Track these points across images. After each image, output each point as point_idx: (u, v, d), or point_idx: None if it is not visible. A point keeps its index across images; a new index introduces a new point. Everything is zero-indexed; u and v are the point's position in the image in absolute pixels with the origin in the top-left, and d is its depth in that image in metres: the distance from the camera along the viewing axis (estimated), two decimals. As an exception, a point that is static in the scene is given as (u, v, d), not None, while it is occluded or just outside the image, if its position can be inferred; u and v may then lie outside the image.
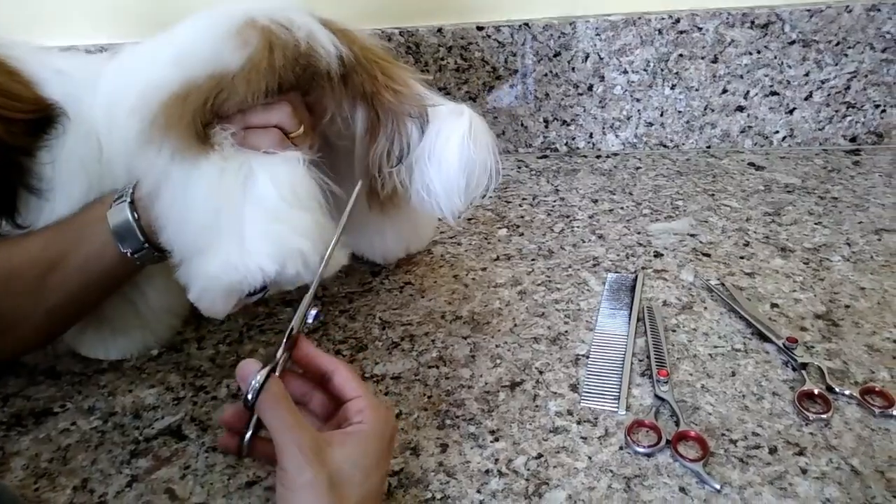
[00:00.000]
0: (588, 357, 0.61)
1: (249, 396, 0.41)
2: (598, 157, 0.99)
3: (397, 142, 0.58)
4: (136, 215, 0.53)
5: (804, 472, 0.49)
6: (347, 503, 0.40)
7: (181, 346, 0.67)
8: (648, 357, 0.60)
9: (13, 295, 0.55)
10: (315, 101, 0.57)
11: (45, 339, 0.61)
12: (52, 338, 0.62)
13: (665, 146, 0.99)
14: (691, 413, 0.55)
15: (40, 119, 0.53)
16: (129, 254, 0.54)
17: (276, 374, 0.43)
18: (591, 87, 0.96)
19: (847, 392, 0.55)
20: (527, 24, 0.93)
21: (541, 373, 0.60)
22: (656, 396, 0.56)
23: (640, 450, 0.51)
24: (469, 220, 0.86)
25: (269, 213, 0.51)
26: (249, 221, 0.51)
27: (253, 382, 0.41)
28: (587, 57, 0.94)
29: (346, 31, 0.57)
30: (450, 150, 0.57)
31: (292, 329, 0.46)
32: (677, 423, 0.53)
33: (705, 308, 0.67)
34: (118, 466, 0.54)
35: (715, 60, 0.92)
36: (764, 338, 0.62)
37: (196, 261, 0.52)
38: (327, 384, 0.47)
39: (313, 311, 0.47)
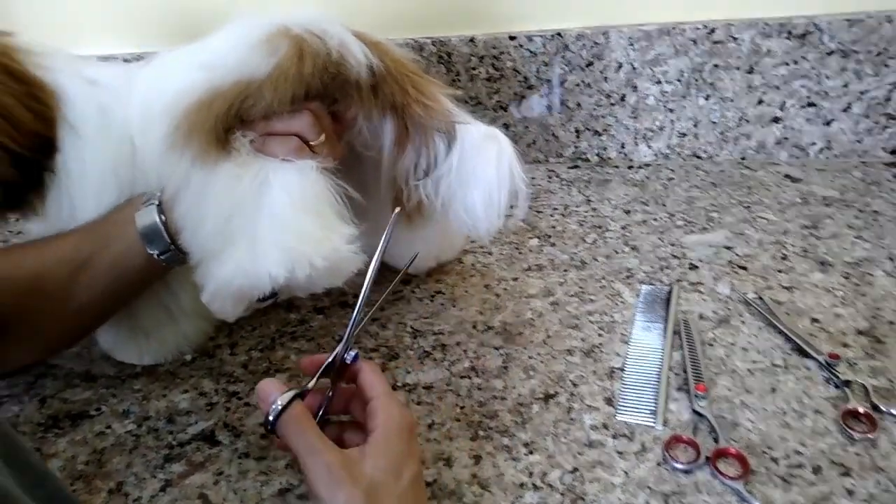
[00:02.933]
0: (623, 370, 0.60)
1: (270, 418, 0.42)
2: (629, 167, 0.98)
3: (424, 155, 0.58)
4: (163, 218, 0.54)
5: (850, 493, 0.47)
6: None
7: (214, 351, 0.67)
8: (685, 371, 0.59)
9: (44, 294, 0.56)
10: (343, 111, 0.57)
11: (74, 338, 0.63)
12: (80, 337, 0.63)
13: (698, 157, 0.98)
14: (731, 429, 0.53)
15: (36, 150, 0.54)
16: (155, 255, 0.55)
17: (304, 398, 0.44)
18: (623, 98, 0.96)
19: (894, 411, 0.53)
20: (559, 34, 0.92)
21: (575, 385, 0.59)
22: (694, 412, 0.55)
23: (679, 466, 0.50)
24: (500, 230, 0.85)
25: (280, 221, 0.51)
26: (261, 228, 0.52)
27: (274, 405, 0.42)
28: (620, 67, 0.94)
29: (379, 43, 0.57)
30: (490, 172, 0.57)
31: (335, 358, 0.46)
32: (716, 440, 0.52)
33: (743, 322, 0.65)
34: (152, 471, 0.54)
35: (751, 71, 0.91)
36: (804, 353, 0.60)
37: (210, 263, 0.53)
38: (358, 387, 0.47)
39: (352, 353, 0.47)
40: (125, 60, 0.98)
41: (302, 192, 0.52)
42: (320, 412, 0.47)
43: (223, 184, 0.51)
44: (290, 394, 0.43)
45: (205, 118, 0.51)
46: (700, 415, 0.55)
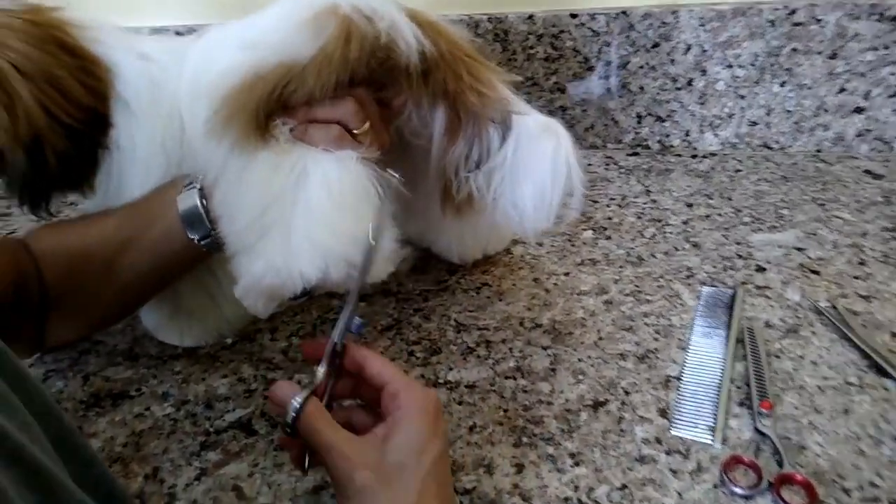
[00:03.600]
0: (680, 380, 0.56)
1: (289, 420, 0.40)
2: (693, 156, 0.93)
3: (477, 146, 0.55)
4: (204, 202, 0.52)
5: (933, 535, 0.43)
6: (407, 492, 0.38)
7: (254, 336, 0.66)
8: (748, 385, 0.55)
9: (86, 274, 0.56)
10: (391, 98, 0.54)
11: (116, 317, 0.63)
12: (123, 316, 0.63)
13: (769, 147, 0.92)
14: (797, 453, 0.49)
15: (90, 124, 0.53)
16: (196, 240, 0.53)
17: (317, 392, 0.43)
18: (690, 82, 0.90)
19: None
20: (624, 12, 0.87)
21: (627, 393, 0.56)
22: (756, 430, 0.51)
23: (738, 490, 0.46)
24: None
25: (316, 217, 0.49)
26: (296, 223, 0.49)
27: (290, 407, 0.41)
28: (689, 49, 0.88)
29: (434, 23, 0.54)
30: (545, 167, 0.54)
31: (335, 343, 0.44)
32: (780, 464, 0.48)
33: (813, 333, 0.60)
34: (188, 458, 0.53)
35: (833, 56, 0.84)
36: (882, 372, 0.55)
37: (243, 257, 0.51)
38: (363, 374, 0.45)
39: (357, 321, 0.45)
40: (177, 33, 0.97)
41: (341, 186, 0.49)
42: (324, 399, 0.45)
43: (260, 174, 0.49)
44: (304, 393, 0.42)
45: (245, 103, 0.49)
46: (763, 434, 0.51)
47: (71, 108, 0.52)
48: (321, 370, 0.44)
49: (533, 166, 0.54)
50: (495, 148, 0.54)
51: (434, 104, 0.54)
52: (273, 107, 0.50)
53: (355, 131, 0.52)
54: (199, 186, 0.53)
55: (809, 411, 0.53)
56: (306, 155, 0.50)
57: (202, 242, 0.54)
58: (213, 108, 0.50)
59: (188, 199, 0.53)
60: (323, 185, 0.50)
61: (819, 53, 0.84)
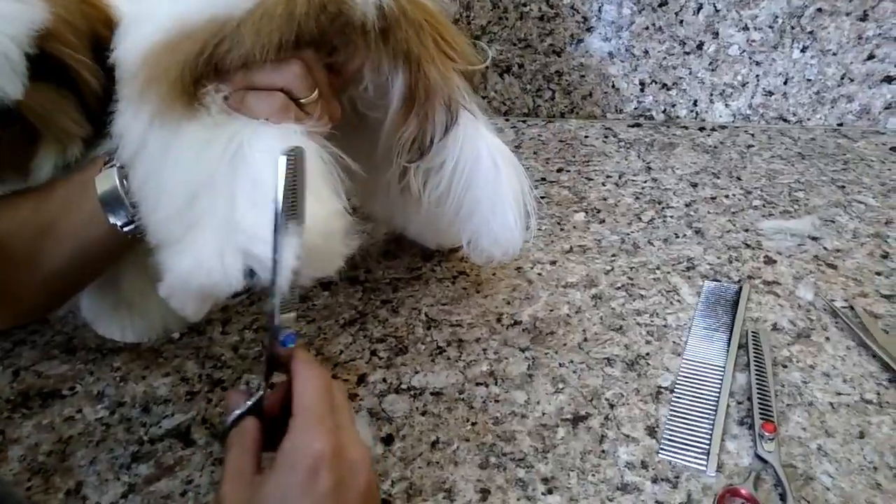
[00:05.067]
0: (672, 392, 0.50)
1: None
2: (701, 129, 0.85)
3: (424, 129, 0.47)
4: (125, 183, 0.45)
5: None
6: None
7: (204, 328, 0.60)
8: (750, 400, 0.49)
9: (6, 262, 0.50)
10: (343, 63, 0.46)
11: (43, 309, 0.58)
12: (53, 307, 0.58)
13: (786, 120, 0.83)
14: (802, 484, 0.43)
15: None
16: (118, 226, 0.46)
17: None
18: (700, 46, 0.81)
19: None
20: (629, -34, 0.78)
21: (612, 406, 0.49)
22: (757, 456, 0.45)
23: (733, 530, 0.40)
24: (542, 197, 0.74)
25: (255, 204, 0.41)
26: (232, 212, 0.41)
27: (228, 420, 0.37)
28: (700, 8, 0.79)
29: None
30: (506, 194, 0.51)
31: (269, 356, 0.39)
32: (783, 497, 0.42)
33: (827, 339, 0.54)
34: (117, 471, 0.48)
35: (864, 18, 0.75)
36: (905, 387, 0.49)
37: (168, 250, 0.43)
38: None
39: (287, 333, 0.38)
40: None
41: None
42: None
43: (187, 152, 0.41)
44: (239, 411, 0.37)
45: (168, 65, 0.41)
46: (764, 461, 0.44)
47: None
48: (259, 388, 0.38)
49: (487, 202, 0.50)
50: (438, 136, 0.47)
51: (394, 69, 0.46)
52: (202, 70, 0.42)
53: (302, 101, 0.44)
54: (118, 164, 0.45)
55: (819, 434, 0.46)
56: (243, 129, 0.43)
57: (125, 229, 0.47)
58: (129, 71, 0.42)
59: (107, 180, 0.46)
60: (264, 163, 0.42)
61: (847, 15, 0.75)
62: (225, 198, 0.41)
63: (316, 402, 0.36)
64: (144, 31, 0.43)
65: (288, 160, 0.37)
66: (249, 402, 0.38)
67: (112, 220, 0.47)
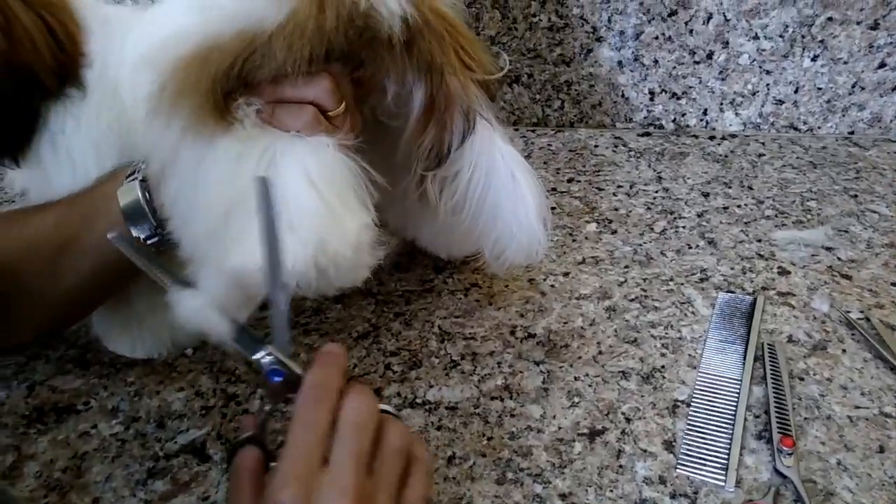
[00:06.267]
0: (689, 405, 0.50)
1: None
2: (711, 138, 0.84)
3: (445, 137, 0.48)
4: (147, 196, 0.45)
5: None
6: None
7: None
8: (767, 413, 0.48)
9: (28, 275, 0.50)
10: (370, 74, 0.46)
11: (62, 323, 0.58)
12: (70, 323, 0.58)
13: (796, 129, 0.83)
14: (823, 500, 0.42)
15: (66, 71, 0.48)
16: (141, 239, 0.46)
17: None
18: (710, 55, 0.81)
19: None
20: (639, -24, 0.78)
21: (628, 420, 0.49)
22: (776, 471, 0.44)
23: (753, 547, 0.40)
24: (553, 208, 0.74)
25: (299, 217, 0.41)
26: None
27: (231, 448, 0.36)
28: (710, 18, 0.79)
29: None
30: (527, 198, 0.51)
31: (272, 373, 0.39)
32: (803, 513, 0.42)
33: (843, 351, 0.53)
34: (133, 487, 0.48)
35: (875, 27, 0.74)
36: (924, 400, 0.48)
37: (204, 266, 0.43)
38: None
39: (271, 369, 0.38)
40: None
41: (322, 178, 0.42)
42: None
43: (221, 165, 0.41)
44: (244, 437, 0.37)
45: (198, 77, 0.41)
46: (783, 476, 0.44)
47: (58, 52, 0.48)
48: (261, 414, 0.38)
49: (502, 204, 0.50)
50: (455, 145, 0.47)
51: (417, 80, 0.46)
52: (232, 84, 0.42)
53: (330, 113, 0.45)
54: (140, 177, 0.46)
55: (838, 448, 0.46)
56: (276, 142, 0.43)
57: (149, 242, 0.47)
58: (158, 83, 0.42)
59: (129, 193, 0.46)
60: (302, 177, 0.42)
61: (858, 23, 0.75)
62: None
63: (293, 446, 0.33)
64: (169, 43, 0.43)
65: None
66: (246, 434, 0.38)
67: (135, 232, 0.47)
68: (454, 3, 0.48)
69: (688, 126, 0.87)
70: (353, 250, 0.43)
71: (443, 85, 0.47)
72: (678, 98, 0.85)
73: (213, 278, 0.43)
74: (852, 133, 0.82)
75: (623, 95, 0.87)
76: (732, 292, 0.60)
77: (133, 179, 0.47)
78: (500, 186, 0.51)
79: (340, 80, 0.45)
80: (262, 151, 0.42)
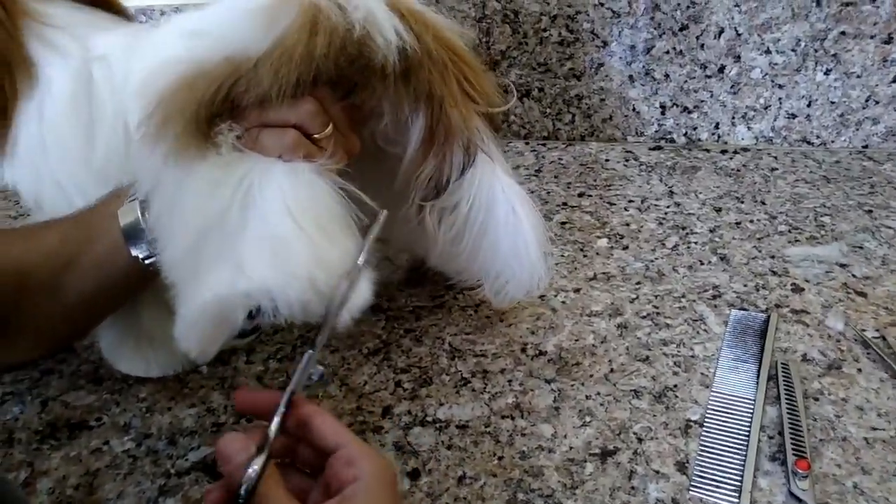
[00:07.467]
0: (702, 426, 0.49)
1: (242, 491, 0.34)
2: (723, 152, 0.84)
3: (444, 169, 0.48)
4: (147, 216, 0.45)
5: None
6: None
7: (228, 357, 0.60)
8: (781, 434, 0.48)
9: (30, 292, 0.50)
10: (361, 101, 0.46)
11: (64, 341, 0.58)
12: (71, 340, 0.59)
13: (809, 143, 0.82)
14: (839, 524, 0.42)
15: None
16: (140, 258, 0.47)
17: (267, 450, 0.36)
18: (722, 69, 0.81)
19: None
20: (649, -9, 0.78)
21: (640, 440, 0.49)
22: (791, 494, 0.44)
23: (768, 573, 0.40)
24: (563, 223, 0.74)
25: (260, 246, 0.41)
26: (242, 251, 0.41)
27: (245, 478, 0.34)
28: (721, 32, 0.78)
29: (420, 14, 0.45)
30: (528, 233, 0.52)
31: (293, 392, 0.38)
32: (819, 538, 0.41)
33: (859, 370, 0.53)
34: (144, 505, 0.48)
35: (889, 41, 0.74)
36: (942, 421, 0.47)
37: (180, 290, 0.43)
38: (307, 433, 0.38)
39: (318, 369, 0.39)
40: (162, 13, 0.90)
41: (299, 204, 0.42)
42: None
43: (199, 191, 0.41)
44: (261, 460, 0.35)
45: (184, 103, 0.41)
46: (798, 499, 0.43)
47: None
48: (274, 428, 0.38)
49: (508, 243, 0.51)
50: (454, 177, 0.47)
51: (415, 110, 0.46)
52: (218, 109, 0.42)
53: (316, 136, 0.45)
54: (141, 198, 0.46)
55: (855, 471, 0.45)
56: (254, 168, 0.43)
57: (147, 262, 0.47)
58: (147, 110, 0.43)
59: (130, 213, 0.47)
60: (277, 202, 0.42)
61: (872, 38, 0.74)
62: (233, 239, 0.42)
63: (352, 432, 0.37)
64: (158, 70, 0.43)
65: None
66: (267, 453, 0.36)
67: (134, 252, 0.47)
68: (462, 33, 0.48)
69: (699, 140, 0.86)
70: (331, 277, 0.42)
71: (442, 116, 0.47)
72: (689, 112, 0.85)
73: (188, 303, 0.44)
74: (866, 147, 0.81)
75: (634, 109, 0.87)
76: (745, 310, 0.59)
77: (133, 199, 0.47)
78: (499, 221, 0.51)
79: (328, 102, 0.45)
80: (239, 178, 0.42)
